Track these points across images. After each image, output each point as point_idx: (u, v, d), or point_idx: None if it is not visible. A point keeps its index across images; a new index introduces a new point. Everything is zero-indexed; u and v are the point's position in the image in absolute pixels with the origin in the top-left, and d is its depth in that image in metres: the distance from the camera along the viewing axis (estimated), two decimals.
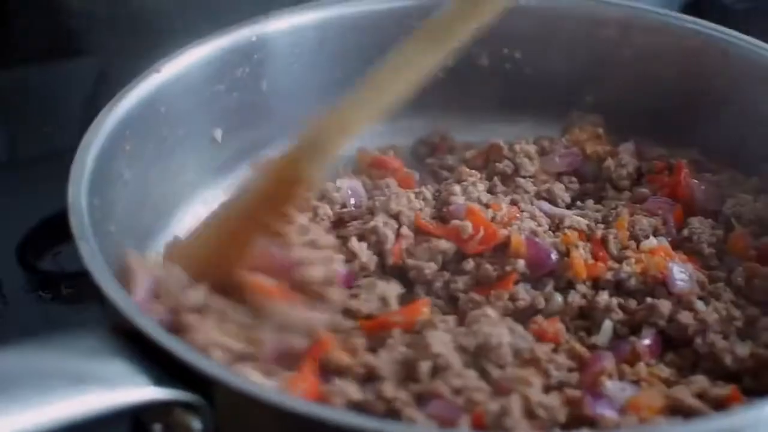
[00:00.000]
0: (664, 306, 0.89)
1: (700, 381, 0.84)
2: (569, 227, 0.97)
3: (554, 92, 1.13)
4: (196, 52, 1.01)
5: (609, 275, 0.92)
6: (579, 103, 1.13)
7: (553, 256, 0.93)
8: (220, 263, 0.85)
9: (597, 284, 0.92)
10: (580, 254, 0.93)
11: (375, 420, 0.75)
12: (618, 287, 0.92)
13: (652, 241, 0.96)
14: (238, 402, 0.70)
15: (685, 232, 0.98)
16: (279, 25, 1.06)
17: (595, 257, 0.94)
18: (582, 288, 0.92)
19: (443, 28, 0.84)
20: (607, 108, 1.11)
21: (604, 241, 0.96)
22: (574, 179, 1.07)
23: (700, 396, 0.82)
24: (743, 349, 0.86)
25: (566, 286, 0.93)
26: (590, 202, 1.04)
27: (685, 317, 0.88)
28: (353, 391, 0.80)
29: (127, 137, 0.93)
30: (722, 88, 1.06)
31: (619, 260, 0.94)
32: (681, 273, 0.92)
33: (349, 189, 1.04)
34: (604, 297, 0.91)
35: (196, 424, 0.71)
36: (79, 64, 1.36)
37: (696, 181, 1.03)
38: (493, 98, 1.14)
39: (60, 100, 1.33)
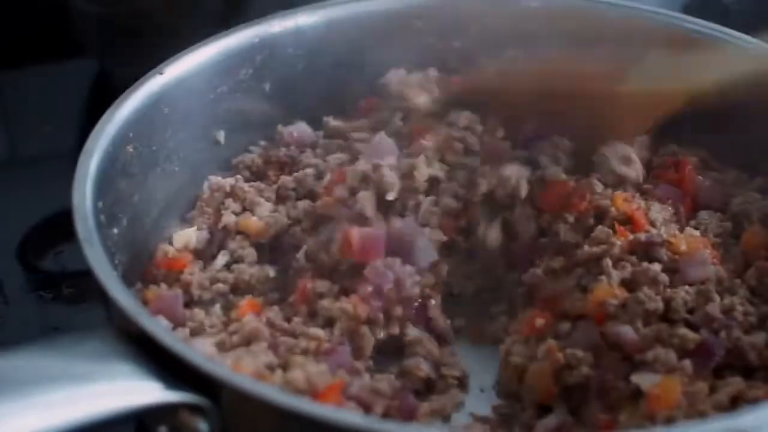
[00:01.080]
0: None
1: (737, 382, 0.83)
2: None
3: None
4: (199, 53, 1.01)
5: (642, 237, 0.92)
6: None
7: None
8: None
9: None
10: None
11: (377, 420, 0.76)
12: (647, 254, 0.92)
13: (695, 232, 0.96)
14: (245, 404, 0.70)
15: (693, 223, 0.98)
16: (281, 26, 1.06)
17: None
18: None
19: None
20: None
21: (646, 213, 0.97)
22: None
23: (737, 398, 0.81)
24: (764, 345, 0.85)
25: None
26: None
27: (713, 309, 0.87)
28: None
29: (131, 139, 0.93)
30: (724, 89, 1.06)
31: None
32: (702, 263, 0.92)
33: (294, 131, 1.06)
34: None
35: (202, 426, 0.71)
36: (79, 64, 1.37)
37: (701, 177, 1.03)
38: None
39: (60, 100, 1.33)
